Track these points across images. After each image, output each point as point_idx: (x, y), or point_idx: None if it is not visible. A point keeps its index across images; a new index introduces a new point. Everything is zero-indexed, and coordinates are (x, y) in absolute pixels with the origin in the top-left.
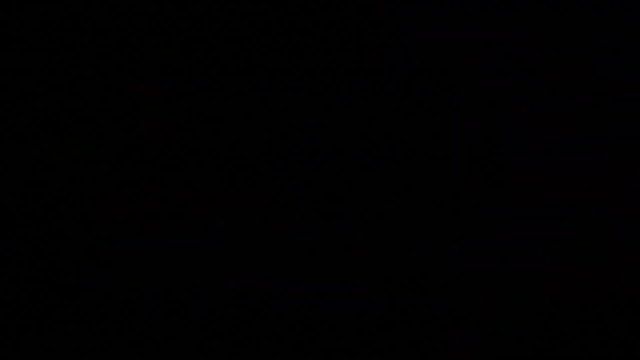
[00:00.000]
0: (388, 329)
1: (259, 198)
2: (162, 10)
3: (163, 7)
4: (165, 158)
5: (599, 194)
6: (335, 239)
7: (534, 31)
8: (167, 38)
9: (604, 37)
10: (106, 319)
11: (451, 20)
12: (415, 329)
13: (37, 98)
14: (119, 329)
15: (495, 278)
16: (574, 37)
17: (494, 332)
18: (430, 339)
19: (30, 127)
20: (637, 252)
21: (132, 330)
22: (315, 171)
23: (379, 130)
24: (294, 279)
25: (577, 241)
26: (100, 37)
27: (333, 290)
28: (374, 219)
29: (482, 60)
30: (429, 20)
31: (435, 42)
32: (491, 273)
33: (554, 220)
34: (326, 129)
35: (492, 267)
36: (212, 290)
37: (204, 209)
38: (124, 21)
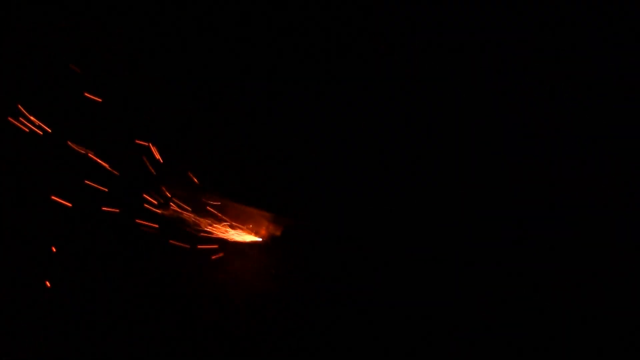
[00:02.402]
0: (388, 328)
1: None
2: None
3: None
4: None
5: (599, 194)
6: (335, 239)
7: (534, 31)
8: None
9: (604, 38)
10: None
11: (451, 20)
12: (415, 329)
13: None
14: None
15: (495, 278)
16: (575, 37)
17: (494, 332)
18: (430, 338)
19: None
20: (637, 252)
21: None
22: (311, 173)
23: (378, 131)
24: (293, 278)
25: (577, 241)
26: None
27: (334, 289)
28: (374, 219)
29: (482, 61)
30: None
31: (435, 43)
32: (491, 273)
33: (554, 221)
34: (319, 130)
35: (492, 267)
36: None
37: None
38: None
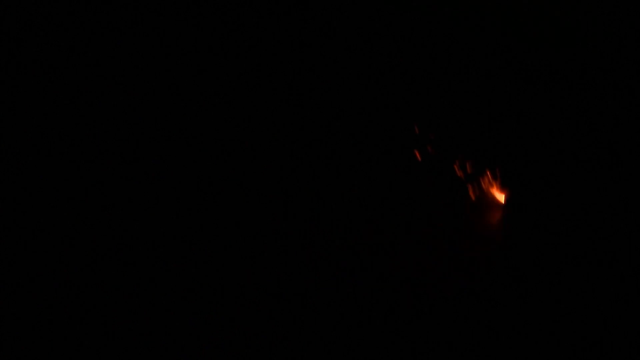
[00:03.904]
0: (389, 328)
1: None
2: None
3: None
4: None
5: (600, 194)
6: (337, 240)
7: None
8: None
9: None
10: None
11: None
12: (416, 329)
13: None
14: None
15: (495, 278)
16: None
17: (494, 333)
18: (431, 338)
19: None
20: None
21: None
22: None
23: (379, 131)
24: (294, 278)
25: (577, 241)
26: None
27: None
28: (374, 220)
29: (481, 61)
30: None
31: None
32: (490, 273)
33: (554, 220)
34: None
35: (491, 267)
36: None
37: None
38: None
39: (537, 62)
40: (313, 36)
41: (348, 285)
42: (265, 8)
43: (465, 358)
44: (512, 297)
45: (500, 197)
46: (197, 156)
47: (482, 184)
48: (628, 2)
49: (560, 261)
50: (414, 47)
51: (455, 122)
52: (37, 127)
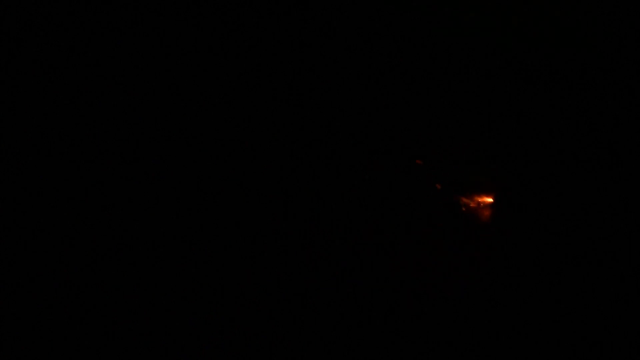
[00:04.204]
0: (389, 329)
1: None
2: None
3: None
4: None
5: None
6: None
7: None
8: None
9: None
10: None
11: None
12: (416, 330)
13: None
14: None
15: (495, 278)
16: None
17: (494, 333)
18: (431, 339)
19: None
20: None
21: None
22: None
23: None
24: (294, 278)
25: (576, 241)
26: None
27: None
28: (374, 220)
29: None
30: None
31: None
32: (490, 273)
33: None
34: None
35: (491, 267)
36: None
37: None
38: None
39: (537, 62)
40: (313, 36)
41: (348, 285)
42: (265, 8)
43: (465, 358)
44: (512, 297)
45: (500, 197)
46: (197, 156)
47: (482, 183)
48: (628, 2)
49: (560, 261)
50: (414, 47)
51: (455, 122)
52: (37, 127)
